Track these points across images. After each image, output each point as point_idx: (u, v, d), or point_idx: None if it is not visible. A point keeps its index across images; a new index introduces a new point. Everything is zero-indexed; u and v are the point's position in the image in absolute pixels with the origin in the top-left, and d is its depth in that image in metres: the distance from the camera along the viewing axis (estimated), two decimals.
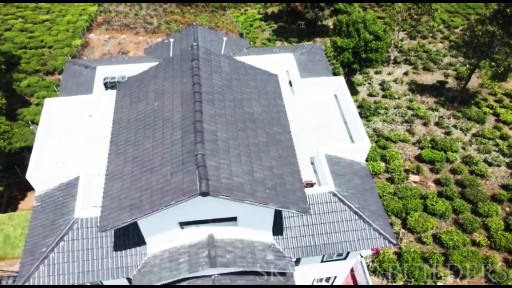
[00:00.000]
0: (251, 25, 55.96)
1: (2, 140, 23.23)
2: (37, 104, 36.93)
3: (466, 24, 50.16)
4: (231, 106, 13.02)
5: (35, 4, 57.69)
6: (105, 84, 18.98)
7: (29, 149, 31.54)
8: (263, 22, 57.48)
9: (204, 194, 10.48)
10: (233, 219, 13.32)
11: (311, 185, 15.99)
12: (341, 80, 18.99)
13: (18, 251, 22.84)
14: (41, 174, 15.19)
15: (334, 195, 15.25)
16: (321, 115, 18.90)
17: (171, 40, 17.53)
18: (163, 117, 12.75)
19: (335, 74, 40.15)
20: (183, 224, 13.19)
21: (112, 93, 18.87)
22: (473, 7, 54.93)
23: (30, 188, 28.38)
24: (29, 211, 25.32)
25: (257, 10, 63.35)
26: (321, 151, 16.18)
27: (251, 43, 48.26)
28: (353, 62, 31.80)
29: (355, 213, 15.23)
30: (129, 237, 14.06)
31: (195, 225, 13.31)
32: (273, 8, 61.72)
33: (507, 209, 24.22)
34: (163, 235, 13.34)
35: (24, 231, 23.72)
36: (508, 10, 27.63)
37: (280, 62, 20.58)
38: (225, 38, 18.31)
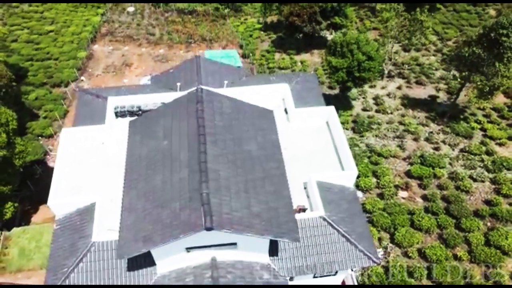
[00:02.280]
0: (250, 35, 57.40)
1: (17, 160, 24.86)
2: (45, 117, 38.50)
3: (459, 36, 51.90)
4: (231, 145, 14.72)
5: (40, 14, 59.23)
6: (115, 113, 20.65)
7: (39, 162, 33.19)
8: (262, 32, 58.91)
9: (209, 229, 12.20)
10: (234, 244, 15.02)
11: (303, 210, 17.70)
12: (332, 109, 20.68)
13: (32, 263, 24.53)
14: (61, 200, 16.84)
15: (324, 219, 16.96)
16: (314, 142, 20.58)
17: (178, 84, 19.19)
18: (171, 155, 14.44)
19: (331, 87, 41.85)
20: (189, 249, 14.89)
21: (122, 121, 20.56)
22: (467, 18, 56.44)
23: (42, 202, 29.99)
24: (42, 224, 27.10)
25: (257, 19, 64.75)
26: (313, 179, 17.87)
27: (251, 54, 49.85)
28: (347, 81, 33.49)
29: (343, 235, 16.94)
30: (141, 259, 15.72)
31: (200, 249, 15.01)
32: (273, 18, 63.12)
33: (489, 224, 25.96)
34: (172, 258, 15.04)
35: (38, 244, 25.41)
36: (492, 35, 29.33)
37: (277, 89, 22.25)
38: (226, 81, 19.98)
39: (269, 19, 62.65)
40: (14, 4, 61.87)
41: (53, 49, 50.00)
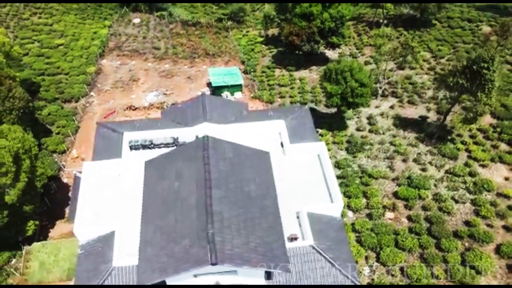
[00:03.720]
0: (252, 50, 59.75)
1: (38, 181, 27.40)
2: (58, 133, 40.84)
3: (452, 53, 54.20)
4: (233, 187, 17.22)
5: (49, 27, 61.64)
6: (130, 146, 23.15)
7: (53, 178, 35.52)
8: (263, 46, 61.25)
9: (214, 264, 14.73)
10: (234, 271, 17.52)
11: (295, 238, 20.20)
12: (322, 145, 23.18)
13: (52, 276, 27.11)
14: (85, 229, 19.36)
15: (313, 247, 19.47)
16: (307, 174, 23.06)
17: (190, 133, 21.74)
18: (181, 196, 16.94)
19: (327, 106, 44.17)
20: (196, 275, 17.42)
21: (136, 153, 23.08)
22: (460, 35, 58.56)
23: (58, 217, 32.52)
24: (59, 240, 29.65)
25: (258, 31, 67.09)
26: (304, 210, 20.38)
27: (252, 71, 52.26)
28: (341, 105, 35.95)
29: (329, 262, 19.46)
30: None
31: (206, 275, 17.53)
32: (274, 30, 65.45)
33: (467, 244, 28.40)
34: (181, 282, 17.56)
35: (56, 258, 27.98)
36: (474, 67, 31.71)
37: (275, 125, 24.71)
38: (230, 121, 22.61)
39: (270, 32, 64.98)
40: (24, 16, 64.41)
41: (64, 63, 52.17)
